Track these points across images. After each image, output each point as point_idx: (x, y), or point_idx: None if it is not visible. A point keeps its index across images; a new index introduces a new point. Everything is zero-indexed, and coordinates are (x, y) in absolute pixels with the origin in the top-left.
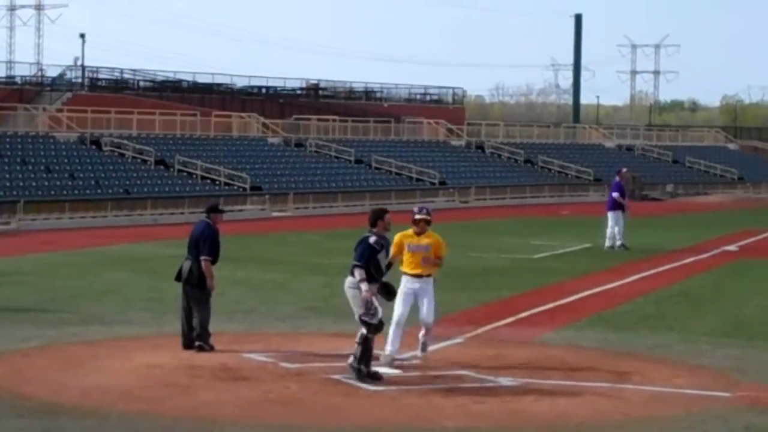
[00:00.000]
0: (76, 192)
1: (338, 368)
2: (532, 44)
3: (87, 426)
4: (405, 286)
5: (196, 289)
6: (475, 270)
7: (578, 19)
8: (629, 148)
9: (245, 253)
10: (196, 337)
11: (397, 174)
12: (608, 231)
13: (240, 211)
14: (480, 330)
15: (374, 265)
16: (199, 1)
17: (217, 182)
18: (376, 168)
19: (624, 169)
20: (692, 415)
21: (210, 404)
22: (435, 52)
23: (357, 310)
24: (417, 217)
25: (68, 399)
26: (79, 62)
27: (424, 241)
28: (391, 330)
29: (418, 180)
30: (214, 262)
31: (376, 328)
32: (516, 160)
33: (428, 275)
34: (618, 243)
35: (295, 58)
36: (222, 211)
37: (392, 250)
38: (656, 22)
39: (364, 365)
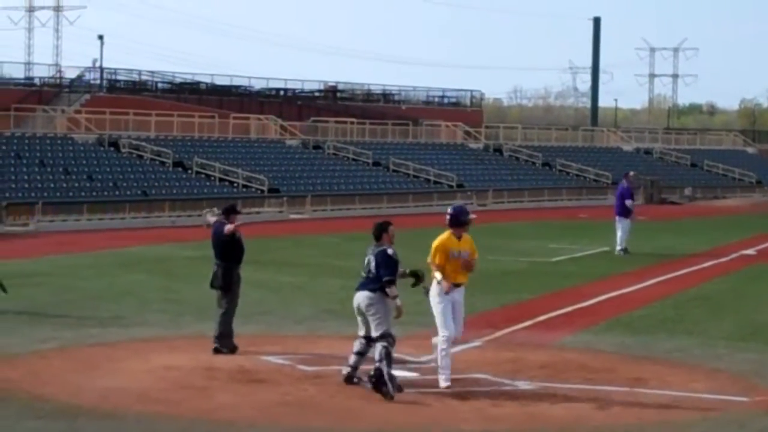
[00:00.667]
0: (94, 193)
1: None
2: (551, 47)
3: (104, 427)
4: (444, 297)
5: (223, 292)
6: (493, 273)
7: (596, 22)
8: (647, 152)
9: (263, 255)
10: (214, 339)
11: (414, 176)
12: (620, 235)
13: (258, 213)
14: (498, 333)
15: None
16: (218, 3)
17: (235, 184)
18: (394, 170)
19: (631, 173)
20: (709, 420)
21: (227, 407)
22: (453, 54)
23: (376, 327)
24: (471, 217)
25: (86, 401)
26: (97, 64)
27: (465, 246)
28: (444, 352)
29: (435, 183)
30: (238, 263)
31: (393, 336)
32: (534, 163)
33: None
34: (619, 248)
35: (313, 60)
36: (239, 212)
37: (437, 257)
38: (675, 26)
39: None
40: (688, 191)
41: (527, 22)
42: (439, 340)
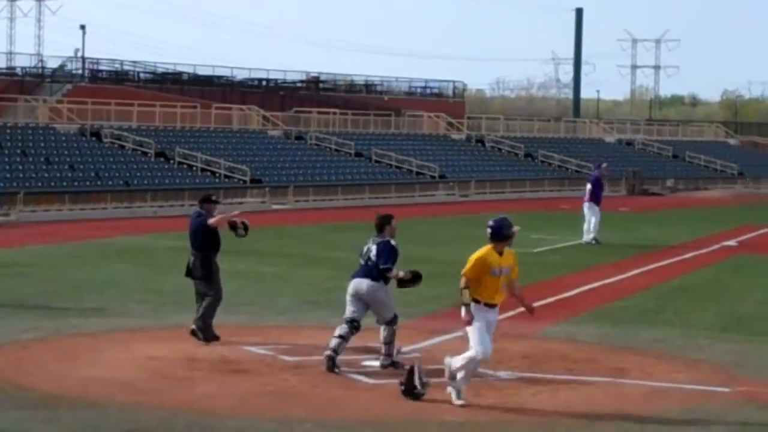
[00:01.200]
0: (76, 184)
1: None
2: (533, 38)
3: (86, 417)
4: (480, 314)
5: (204, 282)
6: None
7: (579, 13)
8: (629, 143)
9: (244, 245)
10: (196, 325)
11: (397, 167)
12: (587, 225)
13: (240, 203)
14: None
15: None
16: None
17: (218, 174)
18: (376, 161)
19: (605, 164)
20: (690, 410)
21: (209, 396)
22: (436, 45)
23: (384, 313)
24: (515, 230)
25: (68, 390)
26: (79, 54)
27: (507, 261)
28: (468, 370)
29: (418, 173)
30: (216, 252)
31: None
32: (516, 154)
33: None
34: (591, 237)
35: (295, 50)
36: (216, 202)
37: (471, 270)
38: (657, 17)
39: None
40: (669, 182)
41: (510, 13)
42: (467, 356)
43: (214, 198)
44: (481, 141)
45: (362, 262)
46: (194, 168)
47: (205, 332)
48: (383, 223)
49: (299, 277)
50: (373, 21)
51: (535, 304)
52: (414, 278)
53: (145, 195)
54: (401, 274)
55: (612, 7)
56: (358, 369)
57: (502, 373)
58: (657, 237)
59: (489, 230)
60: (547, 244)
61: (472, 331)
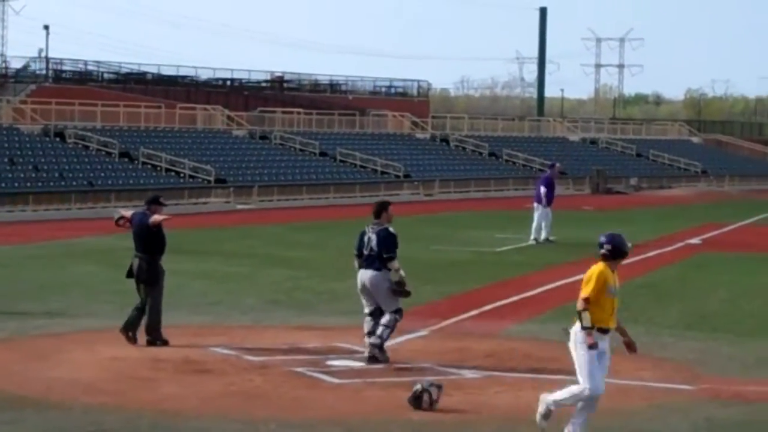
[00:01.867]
0: (40, 184)
1: (301, 361)
2: (497, 37)
3: (51, 418)
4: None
5: (149, 285)
6: (439, 263)
7: (543, 12)
8: (593, 142)
9: (209, 246)
10: (147, 332)
11: (361, 167)
12: (537, 224)
13: (204, 203)
14: (444, 323)
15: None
16: None
17: (182, 175)
18: (341, 161)
19: (558, 164)
20: (654, 408)
21: (173, 397)
22: (400, 44)
23: (389, 304)
24: (629, 246)
25: (32, 392)
26: (43, 54)
27: (617, 281)
28: (583, 412)
29: (382, 173)
30: (161, 254)
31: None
32: (480, 153)
33: None
34: (543, 237)
35: (260, 50)
36: (163, 204)
37: (594, 290)
38: (621, 16)
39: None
40: (633, 181)
41: (474, 12)
42: (573, 390)
43: (161, 200)
44: (445, 140)
45: (365, 252)
46: (158, 168)
47: (154, 332)
48: (380, 210)
49: (264, 278)
50: (338, 20)
51: (500, 303)
52: (407, 293)
53: (109, 195)
54: (402, 273)
55: (576, 6)
56: (322, 369)
57: (467, 372)
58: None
59: (607, 247)
60: (512, 243)
61: (583, 362)
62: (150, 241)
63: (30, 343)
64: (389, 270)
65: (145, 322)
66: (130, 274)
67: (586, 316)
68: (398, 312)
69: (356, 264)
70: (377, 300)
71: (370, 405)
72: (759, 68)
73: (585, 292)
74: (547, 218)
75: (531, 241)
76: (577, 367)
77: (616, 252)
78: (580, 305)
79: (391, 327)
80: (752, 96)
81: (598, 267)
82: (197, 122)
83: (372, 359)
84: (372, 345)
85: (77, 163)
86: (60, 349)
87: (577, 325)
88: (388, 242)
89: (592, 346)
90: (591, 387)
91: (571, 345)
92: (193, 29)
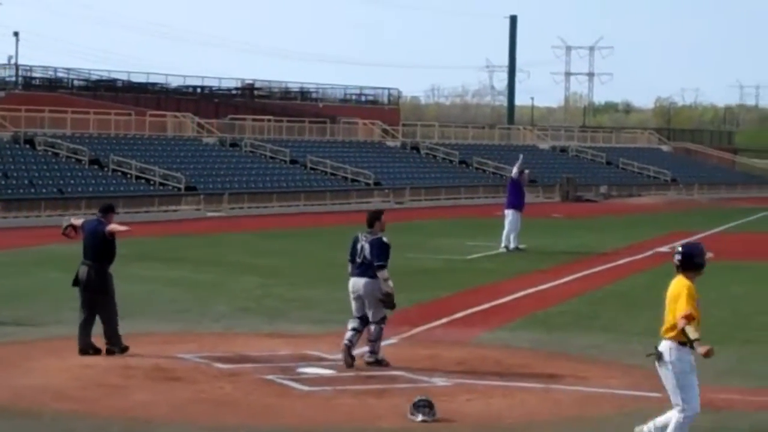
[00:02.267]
0: (9, 191)
1: (272, 369)
2: (468, 45)
3: (19, 426)
4: (694, 364)
5: (101, 295)
6: (409, 271)
7: (513, 20)
8: (563, 150)
9: (179, 253)
10: (107, 343)
11: (332, 174)
12: (505, 231)
13: (175, 211)
14: (415, 330)
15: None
16: (135, 1)
17: (152, 182)
18: (312, 168)
19: (526, 171)
20: (623, 416)
21: (143, 404)
22: (371, 52)
23: (375, 312)
24: (709, 256)
25: (1, 399)
26: (12, 61)
27: None
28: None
29: (353, 180)
30: (110, 262)
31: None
32: (451, 161)
33: None
34: (513, 245)
35: (230, 58)
36: (115, 212)
37: (692, 303)
38: (590, 25)
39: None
40: (603, 189)
41: (444, 20)
42: (676, 420)
43: (115, 208)
44: (416, 148)
45: (358, 260)
46: (129, 175)
47: (113, 339)
48: (374, 219)
49: (234, 285)
50: (309, 28)
51: (470, 311)
52: (393, 306)
53: (79, 202)
54: (390, 284)
55: (546, 14)
56: (292, 376)
57: (437, 380)
58: (591, 243)
59: (679, 257)
60: (482, 250)
61: (685, 382)
62: (102, 250)
63: None
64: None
65: (103, 331)
66: (76, 283)
67: (691, 329)
68: (383, 321)
69: (349, 270)
70: (368, 306)
71: (341, 413)
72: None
73: (685, 312)
74: (517, 226)
75: (501, 249)
76: (678, 387)
77: (687, 262)
78: (682, 323)
79: (378, 338)
80: (721, 105)
81: (682, 282)
82: (167, 129)
83: (375, 363)
84: (369, 364)
85: (47, 171)
86: (29, 357)
87: (668, 343)
88: (380, 251)
89: (709, 352)
90: (694, 408)
91: (670, 367)
92: (164, 37)
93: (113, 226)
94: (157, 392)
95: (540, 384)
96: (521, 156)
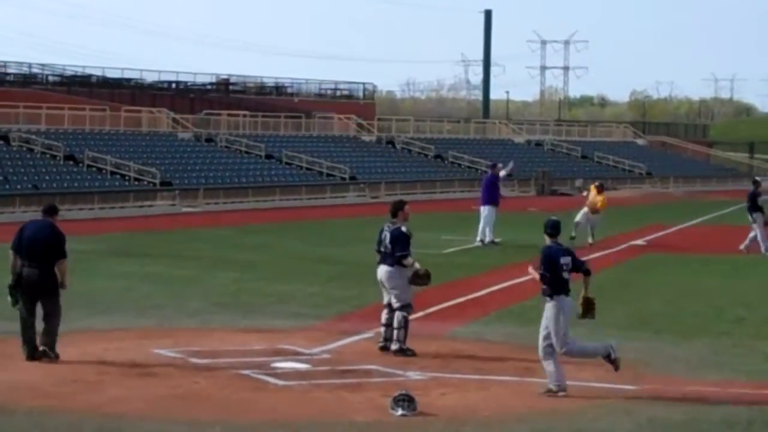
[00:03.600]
0: None
1: (247, 363)
2: (443, 40)
3: None
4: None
5: (52, 297)
6: None
7: (488, 14)
8: (538, 144)
9: (155, 248)
10: (45, 344)
11: (307, 169)
12: (481, 226)
13: (150, 206)
14: None
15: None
16: None
17: (127, 177)
18: (287, 163)
19: (499, 164)
20: (597, 408)
21: (118, 400)
22: (345, 47)
23: (397, 298)
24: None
25: None
26: None
27: None
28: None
29: (328, 175)
30: (53, 264)
31: (412, 306)
32: (426, 156)
33: None
34: (488, 239)
35: (205, 53)
36: (58, 211)
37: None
38: (565, 18)
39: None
40: (578, 182)
41: (419, 14)
42: None
43: (58, 207)
44: (391, 142)
45: (381, 249)
46: (104, 171)
47: (54, 345)
48: (397, 209)
49: (210, 280)
50: (283, 23)
51: (445, 305)
52: (428, 276)
53: (54, 198)
54: (417, 266)
55: (521, 8)
56: (268, 371)
57: (412, 374)
58: (565, 237)
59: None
60: (457, 244)
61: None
62: (49, 251)
63: None
64: (403, 266)
65: (43, 331)
66: (17, 285)
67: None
68: (406, 308)
69: (377, 258)
70: (391, 293)
71: (316, 407)
72: (702, 70)
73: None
74: (491, 220)
75: (477, 243)
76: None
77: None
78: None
79: (403, 327)
80: (696, 98)
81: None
82: (142, 125)
83: (399, 352)
84: (395, 352)
85: (22, 166)
86: (3, 353)
87: None
88: (400, 241)
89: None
90: None
91: None
92: (139, 32)
93: (63, 271)
94: (131, 388)
95: (515, 377)
96: (512, 162)
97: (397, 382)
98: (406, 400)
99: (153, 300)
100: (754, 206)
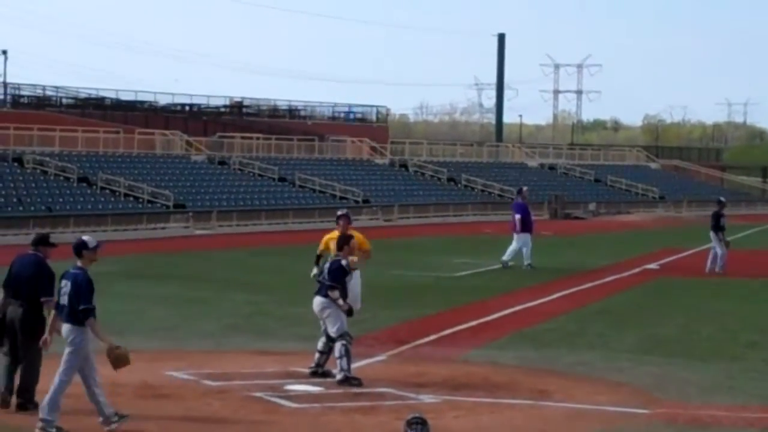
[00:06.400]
0: None
1: (260, 386)
2: (456, 63)
3: None
4: None
5: (26, 339)
6: (398, 288)
7: (501, 38)
8: (552, 167)
9: (168, 270)
10: (19, 393)
11: (321, 192)
12: (512, 247)
13: (163, 228)
14: (403, 347)
15: (343, 285)
16: (122, 19)
17: (141, 200)
18: (300, 186)
19: (525, 188)
20: None
21: (131, 422)
22: (359, 70)
23: (331, 327)
24: None
25: None
26: (1, 79)
27: None
28: None
29: (341, 198)
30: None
31: (350, 335)
32: (439, 179)
33: None
34: (526, 263)
35: (219, 75)
36: (53, 245)
37: None
38: (579, 42)
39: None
40: (592, 206)
41: (433, 38)
42: None
43: (52, 240)
44: (404, 165)
45: (320, 279)
46: (117, 193)
47: (27, 394)
48: (343, 243)
49: (222, 302)
50: (297, 46)
51: (458, 328)
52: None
53: (68, 220)
54: (341, 302)
55: (534, 32)
56: (281, 393)
57: (425, 397)
58: (579, 261)
59: None
60: (470, 268)
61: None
62: (34, 289)
63: None
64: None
65: (21, 380)
66: (1, 325)
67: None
68: (344, 337)
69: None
70: (324, 323)
71: (329, 430)
72: (716, 94)
73: None
74: (528, 244)
75: (527, 267)
76: None
77: None
78: None
79: (344, 355)
80: (709, 122)
81: None
82: (156, 147)
83: (344, 381)
84: (339, 382)
85: (35, 189)
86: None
87: None
88: (335, 273)
89: None
90: None
91: None
92: (153, 54)
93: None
94: (145, 409)
95: (528, 401)
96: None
97: (410, 405)
98: (419, 423)
99: (166, 322)
100: (717, 225)
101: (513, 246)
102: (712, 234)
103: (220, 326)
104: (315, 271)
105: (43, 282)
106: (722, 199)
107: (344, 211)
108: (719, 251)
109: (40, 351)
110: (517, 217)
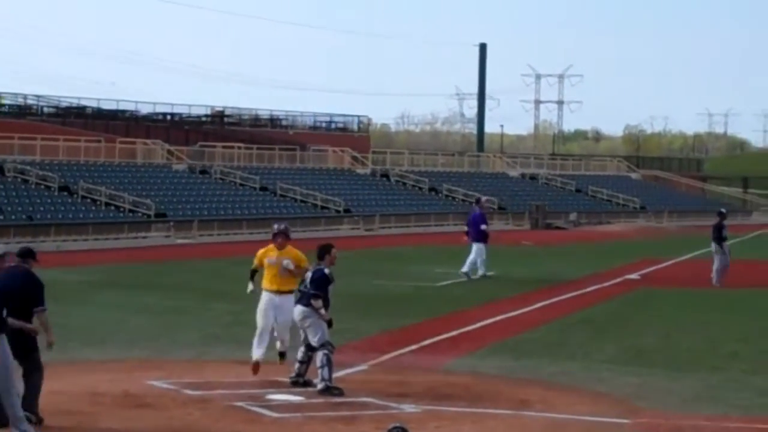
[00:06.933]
0: None
1: (241, 395)
2: (437, 73)
3: None
4: None
5: (30, 354)
6: (379, 297)
7: (483, 48)
8: (533, 177)
9: (149, 280)
10: (25, 408)
11: (302, 201)
12: (471, 258)
13: (144, 238)
14: (384, 357)
15: (326, 293)
16: (104, 28)
17: (122, 209)
18: (281, 195)
19: (484, 198)
20: None
21: (112, 431)
22: (340, 80)
23: (312, 337)
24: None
25: None
26: None
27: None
28: None
29: (323, 208)
30: (32, 316)
31: (332, 344)
32: (421, 189)
33: None
34: (481, 272)
35: (200, 85)
36: (36, 259)
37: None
38: (560, 53)
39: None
40: (573, 216)
41: (414, 48)
42: None
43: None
44: (385, 175)
45: (301, 288)
46: (98, 202)
47: (36, 408)
48: (324, 252)
49: (204, 312)
50: (279, 56)
51: (440, 338)
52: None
53: (48, 229)
54: (323, 312)
55: (515, 42)
56: (262, 403)
57: (406, 406)
58: (560, 271)
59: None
60: (451, 278)
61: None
62: (34, 302)
63: None
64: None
65: (24, 392)
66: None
67: None
68: (326, 346)
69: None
70: (305, 333)
71: None
72: (697, 105)
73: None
74: (483, 253)
75: (482, 276)
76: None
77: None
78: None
79: (326, 365)
80: (690, 132)
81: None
82: (137, 156)
83: (325, 391)
84: (320, 392)
85: (16, 197)
86: None
87: None
88: (318, 282)
89: None
90: None
91: None
92: (134, 63)
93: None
94: (126, 419)
95: (509, 411)
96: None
97: (392, 415)
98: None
99: (147, 331)
100: (719, 237)
101: (471, 257)
102: (714, 245)
103: (201, 336)
104: (251, 287)
105: (35, 292)
106: (723, 210)
107: (282, 226)
108: (716, 264)
109: (41, 363)
110: (483, 227)
